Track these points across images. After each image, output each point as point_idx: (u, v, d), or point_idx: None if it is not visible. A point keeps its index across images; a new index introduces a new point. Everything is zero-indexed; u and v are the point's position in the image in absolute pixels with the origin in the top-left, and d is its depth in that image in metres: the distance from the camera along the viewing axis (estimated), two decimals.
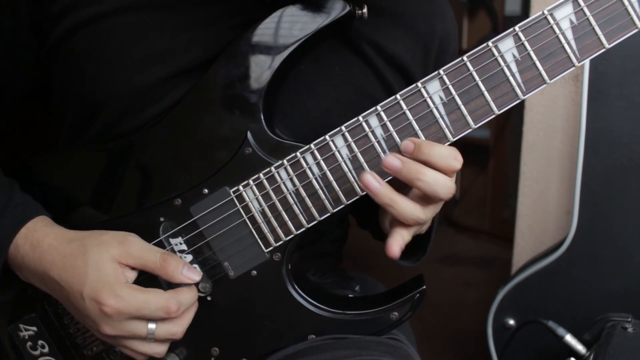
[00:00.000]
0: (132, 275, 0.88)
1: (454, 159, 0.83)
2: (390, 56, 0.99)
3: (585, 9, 0.81)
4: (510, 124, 2.69)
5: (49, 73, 0.99)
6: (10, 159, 1.02)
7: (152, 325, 0.87)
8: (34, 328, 0.99)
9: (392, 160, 0.83)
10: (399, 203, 0.84)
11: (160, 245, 0.94)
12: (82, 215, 0.97)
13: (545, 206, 1.79)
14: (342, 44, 0.97)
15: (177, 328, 0.88)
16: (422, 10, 1.00)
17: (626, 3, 0.80)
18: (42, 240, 0.89)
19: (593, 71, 1.44)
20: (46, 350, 0.99)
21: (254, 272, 0.94)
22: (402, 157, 0.83)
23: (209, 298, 0.95)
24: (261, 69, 0.90)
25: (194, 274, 0.90)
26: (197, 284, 0.93)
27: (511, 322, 1.57)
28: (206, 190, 0.92)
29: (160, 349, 0.90)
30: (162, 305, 0.86)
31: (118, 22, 0.92)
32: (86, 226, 0.93)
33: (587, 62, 1.43)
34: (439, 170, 0.83)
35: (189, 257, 0.94)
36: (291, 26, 0.89)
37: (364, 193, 0.88)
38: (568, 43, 0.82)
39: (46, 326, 0.99)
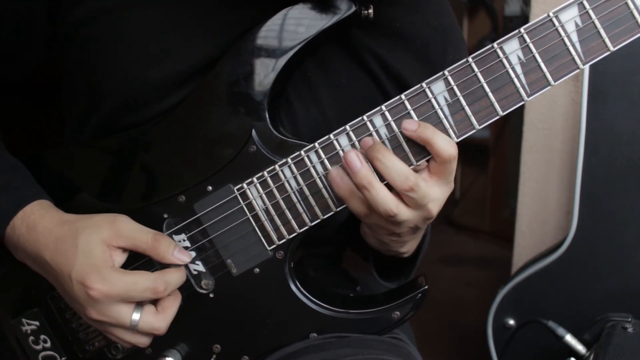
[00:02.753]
0: (121, 258, 0.88)
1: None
2: (397, 76, 0.99)
3: (591, 12, 0.81)
4: (510, 124, 2.70)
5: (63, 56, 1.00)
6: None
7: (135, 317, 0.87)
8: (37, 323, 0.99)
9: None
10: (375, 187, 0.83)
11: None
12: (86, 211, 0.95)
13: (545, 206, 1.80)
14: (351, 57, 0.98)
15: (161, 323, 0.89)
16: (436, 39, 1.00)
17: (631, 6, 0.80)
18: (37, 223, 0.90)
19: (593, 71, 1.45)
20: (48, 345, 0.99)
21: (257, 270, 0.94)
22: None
23: (211, 295, 0.95)
24: (267, 67, 0.90)
25: (185, 255, 0.90)
26: (200, 281, 0.94)
27: (511, 322, 1.58)
28: (210, 188, 0.92)
29: (144, 340, 0.90)
30: (149, 285, 0.86)
31: (138, 14, 0.92)
32: None
33: None
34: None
35: (193, 254, 0.94)
36: (297, 25, 0.89)
37: None
38: (573, 45, 0.82)
39: (48, 321, 0.99)
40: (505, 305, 1.59)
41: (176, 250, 0.90)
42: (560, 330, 1.38)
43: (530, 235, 1.85)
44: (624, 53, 1.39)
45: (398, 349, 0.98)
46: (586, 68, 1.43)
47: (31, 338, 0.99)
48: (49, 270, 0.89)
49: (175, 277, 0.90)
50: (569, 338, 1.37)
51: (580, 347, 1.36)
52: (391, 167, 0.83)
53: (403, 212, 0.85)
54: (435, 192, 0.85)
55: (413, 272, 1.07)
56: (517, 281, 1.57)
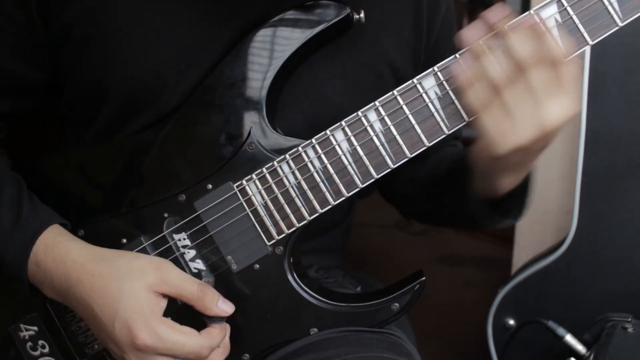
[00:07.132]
0: (165, 303, 0.91)
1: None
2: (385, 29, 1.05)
3: (569, 9, 0.88)
4: None
5: (60, 63, 1.03)
6: (13, 160, 1.07)
7: None
8: (35, 328, 1.02)
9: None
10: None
11: (164, 240, 1.00)
12: (87, 211, 1.03)
13: (545, 206, 1.82)
14: (342, 47, 1.03)
15: None
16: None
17: (606, 3, 0.87)
18: (65, 256, 0.92)
19: (593, 71, 1.49)
20: (46, 350, 1.03)
21: (257, 266, 0.99)
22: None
23: None
24: (264, 70, 0.97)
25: (228, 307, 0.95)
26: (200, 279, 0.98)
27: (511, 322, 1.62)
28: (210, 186, 0.98)
29: None
30: (195, 350, 0.89)
31: (124, 6, 0.97)
32: (91, 222, 1.00)
33: (586, 62, 1.49)
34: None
35: (193, 252, 0.99)
36: (292, 29, 0.97)
37: (364, 185, 0.95)
38: (554, 40, 0.88)
39: (47, 325, 1.03)
40: (505, 305, 1.61)
41: (220, 300, 0.93)
42: (560, 330, 1.40)
43: (530, 235, 1.86)
44: (623, 53, 1.44)
45: (398, 348, 1.02)
46: (586, 68, 1.47)
47: (29, 344, 1.03)
48: (82, 308, 0.92)
49: (219, 340, 0.93)
50: (569, 338, 1.39)
51: (580, 347, 1.37)
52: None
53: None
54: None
55: (524, 206, 1.08)
56: (517, 281, 1.60)
